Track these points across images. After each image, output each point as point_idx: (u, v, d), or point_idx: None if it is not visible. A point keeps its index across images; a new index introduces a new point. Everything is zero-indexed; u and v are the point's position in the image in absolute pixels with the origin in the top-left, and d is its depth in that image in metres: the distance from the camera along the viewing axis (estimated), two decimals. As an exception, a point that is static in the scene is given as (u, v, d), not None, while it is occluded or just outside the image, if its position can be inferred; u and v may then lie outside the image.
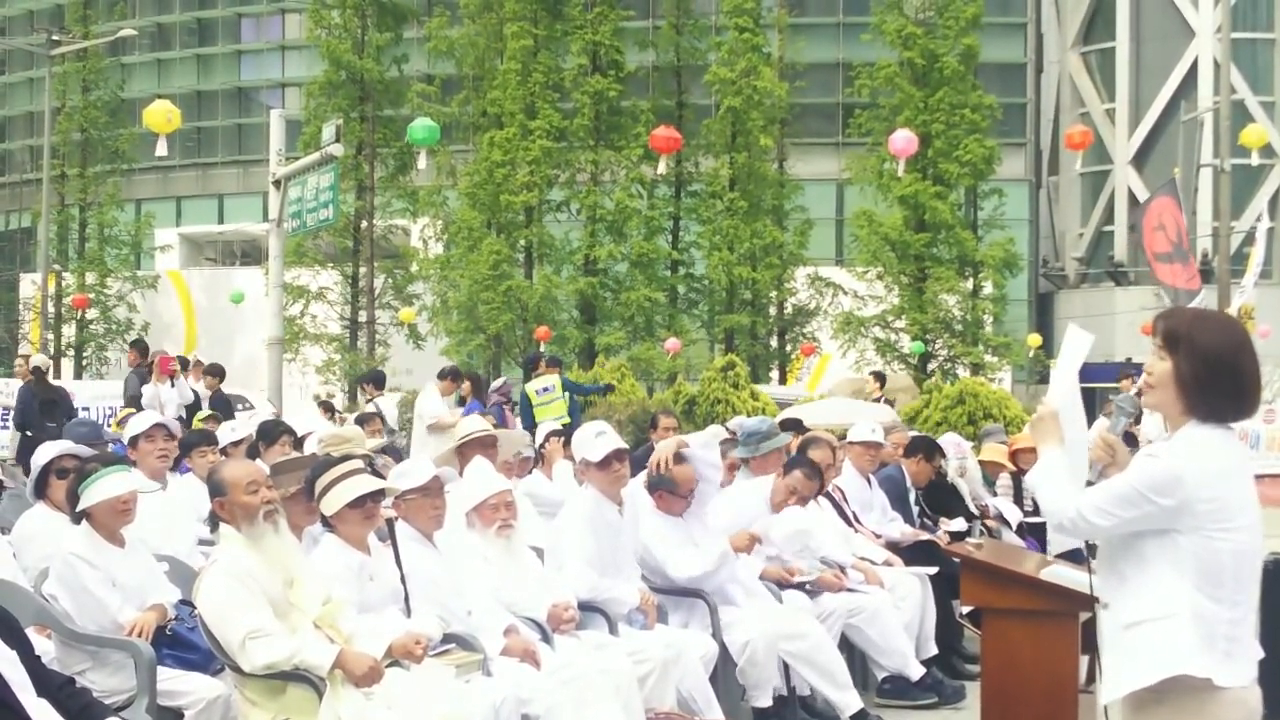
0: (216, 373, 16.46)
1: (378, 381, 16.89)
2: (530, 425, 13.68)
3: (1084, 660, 5.23)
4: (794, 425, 9.41)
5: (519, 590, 5.82)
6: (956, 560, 5.89)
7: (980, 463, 10.51)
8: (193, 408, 15.68)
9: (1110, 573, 3.52)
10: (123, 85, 46.72)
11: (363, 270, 38.84)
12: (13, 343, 46.36)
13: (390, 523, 5.55)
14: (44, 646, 4.95)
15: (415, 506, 5.64)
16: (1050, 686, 4.96)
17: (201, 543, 7.03)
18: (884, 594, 7.59)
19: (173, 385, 16.59)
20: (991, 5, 41.03)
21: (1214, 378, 3.40)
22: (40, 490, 6.27)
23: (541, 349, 26.77)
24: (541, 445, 9.42)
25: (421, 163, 22.26)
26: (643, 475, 7.35)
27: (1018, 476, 10.18)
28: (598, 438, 6.56)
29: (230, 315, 43.69)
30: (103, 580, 5.23)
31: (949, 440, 10.30)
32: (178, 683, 5.09)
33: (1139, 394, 3.60)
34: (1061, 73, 52.80)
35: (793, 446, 8.39)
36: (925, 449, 9.29)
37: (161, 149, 16.15)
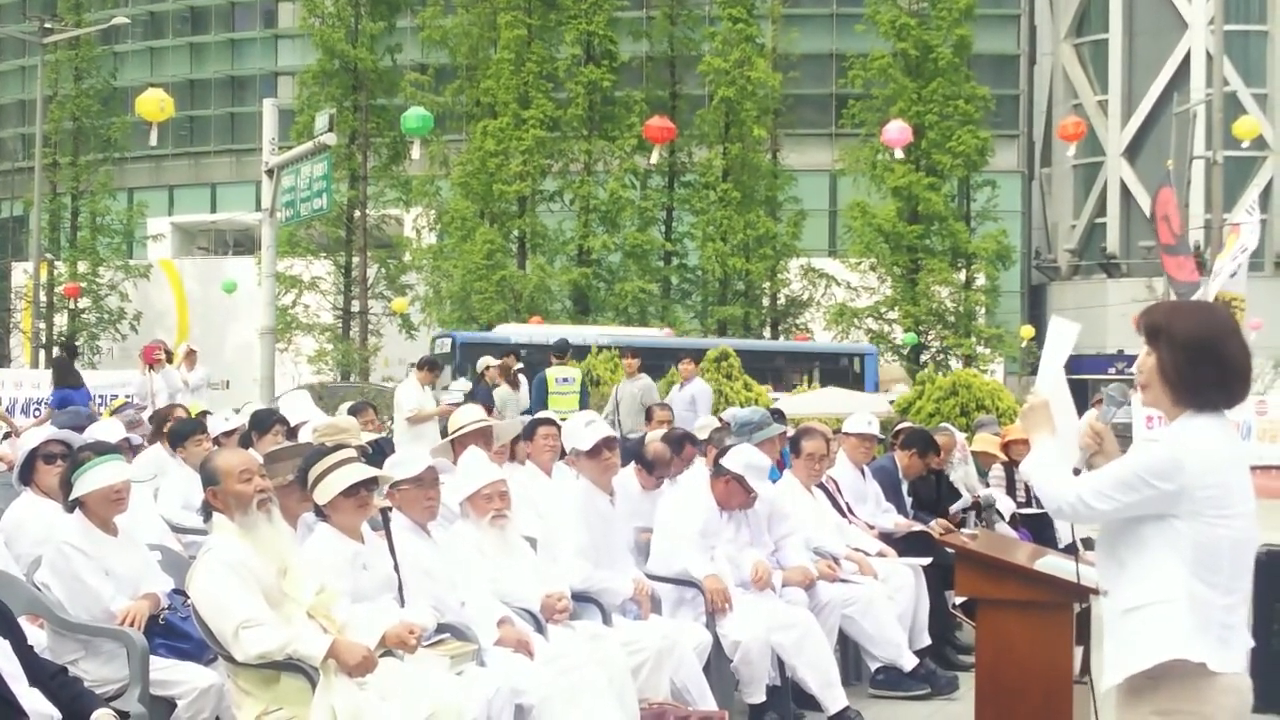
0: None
1: None
2: (541, 409, 13.54)
3: (1078, 651, 5.23)
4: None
5: (513, 581, 5.81)
6: (950, 551, 5.89)
7: (973, 453, 10.51)
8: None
9: (1110, 560, 3.52)
10: (115, 74, 46.55)
11: (355, 260, 38.80)
12: (4, 332, 46.22)
13: (385, 512, 5.53)
14: (36, 636, 4.93)
15: (409, 497, 5.63)
16: (1044, 677, 4.96)
17: (182, 531, 7.01)
18: (878, 585, 7.57)
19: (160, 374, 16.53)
20: (985, -3, 41.07)
21: (1195, 365, 3.38)
22: (25, 476, 6.23)
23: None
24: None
25: (415, 152, 22.22)
26: (634, 465, 7.35)
27: (1010, 467, 10.18)
28: (587, 427, 6.56)
29: (223, 305, 43.58)
30: (96, 569, 5.20)
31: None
32: (170, 672, 5.06)
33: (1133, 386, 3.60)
34: (1054, 64, 52.82)
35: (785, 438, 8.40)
36: (920, 444, 9.20)
37: (153, 138, 16.09)
